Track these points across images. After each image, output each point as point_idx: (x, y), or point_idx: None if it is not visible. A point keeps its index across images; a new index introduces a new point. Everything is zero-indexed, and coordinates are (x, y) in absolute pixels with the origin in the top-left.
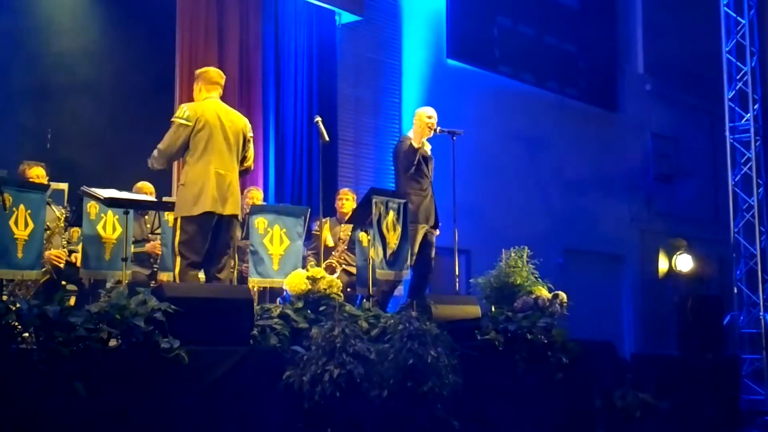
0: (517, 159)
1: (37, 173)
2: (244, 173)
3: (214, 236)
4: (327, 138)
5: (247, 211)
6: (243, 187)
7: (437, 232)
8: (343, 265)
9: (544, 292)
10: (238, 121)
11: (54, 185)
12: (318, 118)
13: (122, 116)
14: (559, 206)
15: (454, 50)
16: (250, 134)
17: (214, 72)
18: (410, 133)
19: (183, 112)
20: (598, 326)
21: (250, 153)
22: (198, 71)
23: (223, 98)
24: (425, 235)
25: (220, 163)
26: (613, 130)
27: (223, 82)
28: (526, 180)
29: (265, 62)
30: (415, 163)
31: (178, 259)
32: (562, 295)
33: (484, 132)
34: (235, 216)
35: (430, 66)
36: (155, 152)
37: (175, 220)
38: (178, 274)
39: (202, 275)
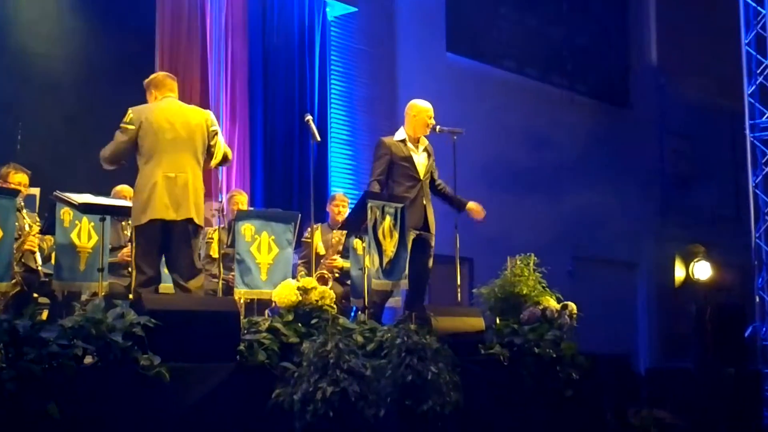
0: (522, 159)
1: (20, 180)
2: (219, 165)
3: (168, 245)
4: (318, 137)
5: (233, 216)
6: (228, 190)
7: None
8: (336, 273)
9: (552, 303)
10: (193, 117)
11: (24, 190)
12: (309, 117)
13: (98, 116)
14: (567, 210)
15: (453, 43)
16: (214, 127)
17: (161, 75)
18: (398, 131)
19: (127, 115)
20: (610, 339)
21: (218, 147)
22: (146, 81)
23: (207, 96)
24: (419, 240)
25: (170, 165)
26: (625, 128)
27: (174, 83)
28: (532, 182)
29: (251, 57)
30: (383, 169)
31: (134, 273)
32: (572, 306)
33: (487, 131)
34: (191, 220)
35: (428, 60)
36: (102, 155)
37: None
38: (133, 291)
39: (168, 286)
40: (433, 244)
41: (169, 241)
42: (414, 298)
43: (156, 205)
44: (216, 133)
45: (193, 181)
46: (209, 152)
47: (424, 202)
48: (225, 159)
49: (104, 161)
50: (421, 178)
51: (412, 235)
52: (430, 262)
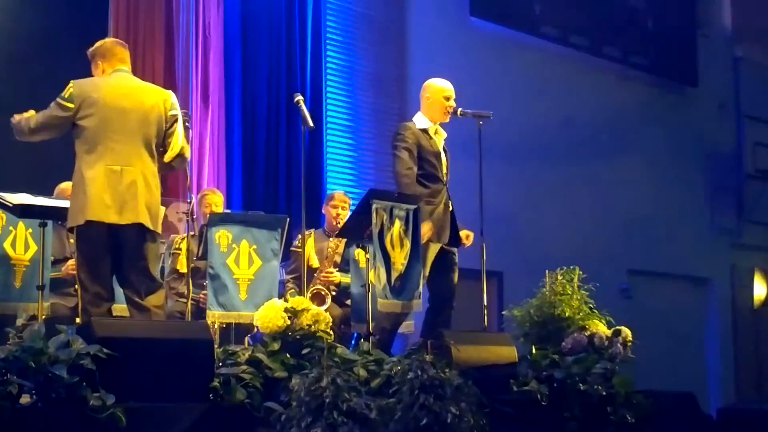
0: (563, 150)
1: None
2: (169, 168)
3: (116, 255)
4: (311, 123)
5: (205, 221)
6: (200, 189)
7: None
8: (332, 290)
9: (601, 328)
10: (148, 98)
11: None
12: (299, 97)
13: (37, 97)
14: (620, 213)
15: (479, 6)
16: (173, 112)
17: (110, 42)
18: (416, 118)
19: (68, 89)
20: (674, 373)
21: (176, 137)
22: (90, 50)
23: (173, 73)
24: (442, 255)
25: (114, 156)
26: (691, 111)
27: (126, 51)
28: (576, 178)
29: (227, 22)
30: (415, 160)
31: (79, 291)
32: (626, 332)
33: (520, 114)
34: (139, 225)
35: (447, 26)
36: (23, 123)
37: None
38: (80, 313)
39: (122, 307)
40: (456, 260)
41: (117, 249)
42: (435, 325)
43: (94, 204)
44: (175, 120)
45: (144, 177)
46: (164, 143)
47: (451, 210)
48: (180, 157)
49: (22, 131)
50: (446, 179)
51: (435, 249)
52: (456, 279)
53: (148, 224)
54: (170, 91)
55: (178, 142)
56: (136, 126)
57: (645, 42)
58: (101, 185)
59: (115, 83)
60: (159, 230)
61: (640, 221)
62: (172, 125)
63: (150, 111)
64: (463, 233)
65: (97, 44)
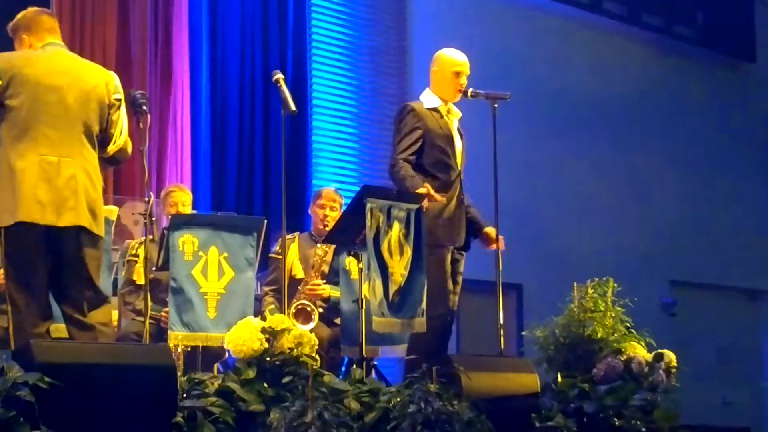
0: (593, 139)
1: None
2: (110, 162)
3: (54, 264)
4: (293, 107)
5: (166, 224)
6: (160, 186)
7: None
8: (320, 307)
9: (640, 351)
10: (89, 78)
11: None
12: (278, 75)
13: None
14: (663, 215)
15: None
16: (117, 96)
17: (32, 12)
18: (424, 95)
19: None
20: (726, 404)
21: (120, 127)
22: (10, 24)
23: (128, 47)
24: (450, 261)
25: (50, 145)
26: (748, 92)
27: (55, 22)
28: (609, 173)
29: None
30: (415, 148)
31: (9, 307)
32: (670, 356)
33: (545, 96)
34: (81, 228)
35: None
36: None
37: None
38: (14, 334)
39: (62, 327)
40: (461, 268)
41: (55, 257)
42: (437, 343)
43: (26, 201)
44: (119, 106)
45: (86, 170)
46: (107, 133)
47: (465, 204)
48: (123, 150)
49: None
50: (460, 168)
51: (448, 253)
52: (458, 290)
53: (93, 227)
54: (113, 72)
55: (121, 131)
56: (75, 110)
57: (692, 9)
58: (34, 179)
59: (49, 58)
60: (102, 233)
61: (685, 224)
62: (116, 111)
63: (91, 93)
64: (491, 231)
65: (18, 16)
